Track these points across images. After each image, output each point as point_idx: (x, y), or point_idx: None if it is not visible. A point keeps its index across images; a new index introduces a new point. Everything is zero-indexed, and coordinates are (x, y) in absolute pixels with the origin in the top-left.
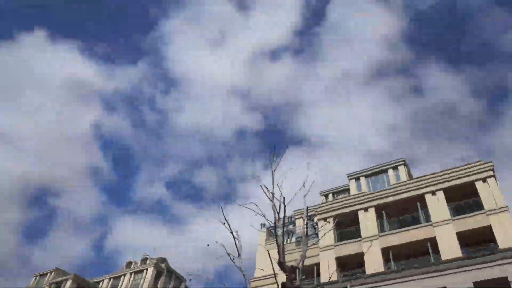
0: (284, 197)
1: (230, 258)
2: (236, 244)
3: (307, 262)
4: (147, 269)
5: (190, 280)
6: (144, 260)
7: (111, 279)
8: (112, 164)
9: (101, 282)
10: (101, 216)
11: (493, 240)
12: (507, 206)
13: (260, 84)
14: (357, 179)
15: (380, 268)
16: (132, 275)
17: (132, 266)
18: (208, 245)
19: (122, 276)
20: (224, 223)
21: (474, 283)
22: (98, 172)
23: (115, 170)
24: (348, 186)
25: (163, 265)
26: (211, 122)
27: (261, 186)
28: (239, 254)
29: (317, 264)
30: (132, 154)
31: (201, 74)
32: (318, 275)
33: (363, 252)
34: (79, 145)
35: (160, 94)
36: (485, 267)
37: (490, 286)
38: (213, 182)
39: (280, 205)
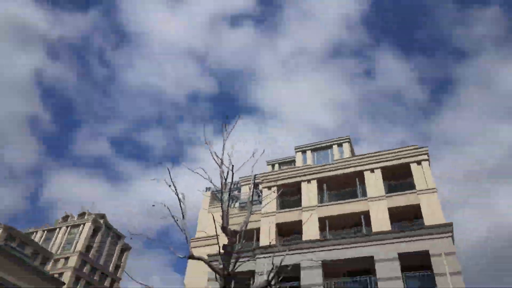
0: (233, 165)
1: (174, 220)
2: (181, 207)
3: (248, 226)
4: (84, 224)
5: (131, 238)
6: (81, 215)
7: (45, 232)
8: (52, 114)
9: (34, 234)
10: (37, 167)
11: (420, 217)
12: (436, 188)
13: (217, 49)
14: (304, 152)
15: (316, 236)
16: (68, 228)
17: (68, 220)
18: (153, 205)
19: (57, 229)
20: (170, 186)
21: (399, 254)
22: (36, 122)
23: (55, 121)
24: (294, 158)
25: (101, 221)
26: (163, 82)
27: (211, 153)
28: (183, 216)
29: (258, 229)
30: (75, 107)
31: (156, 31)
32: (258, 239)
33: (301, 221)
34: (17, 92)
35: (110, 47)
36: (410, 241)
37: (412, 257)
38: (161, 143)
39: (228, 172)
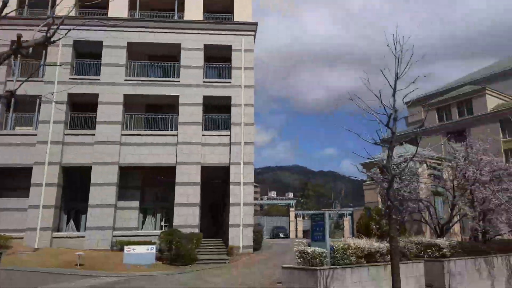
0: None
1: None
2: None
3: None
4: None
5: None
6: None
7: None
8: None
9: None
10: None
11: (232, 12)
12: None
13: None
14: None
15: (124, 14)
16: None
17: None
18: None
19: None
20: None
21: (205, 45)
22: None
23: None
24: None
25: None
26: None
27: None
28: None
29: None
30: None
31: None
32: (54, 6)
33: None
34: None
35: None
36: (217, 34)
37: (216, 50)
38: None
39: None
